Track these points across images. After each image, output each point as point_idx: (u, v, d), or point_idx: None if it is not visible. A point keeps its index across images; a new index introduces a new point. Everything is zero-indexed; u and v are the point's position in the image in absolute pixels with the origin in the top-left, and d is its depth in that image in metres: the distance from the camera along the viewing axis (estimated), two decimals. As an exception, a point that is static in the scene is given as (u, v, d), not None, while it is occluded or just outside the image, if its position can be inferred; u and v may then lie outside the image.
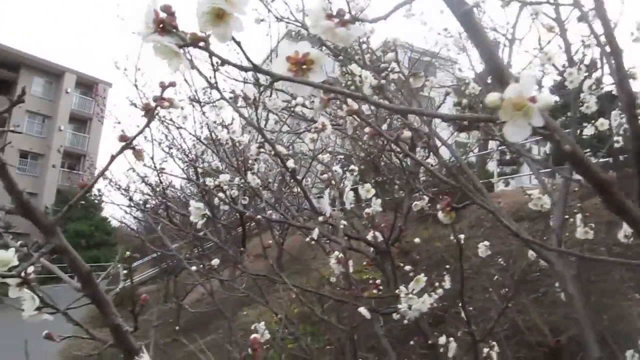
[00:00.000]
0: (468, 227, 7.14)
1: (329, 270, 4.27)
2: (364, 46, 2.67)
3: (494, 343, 1.74)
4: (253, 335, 0.78)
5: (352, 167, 2.32)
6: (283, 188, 3.50)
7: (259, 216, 1.01)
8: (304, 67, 0.57)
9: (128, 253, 0.99)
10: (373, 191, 1.76)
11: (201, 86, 3.93)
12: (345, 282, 2.27)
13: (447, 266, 2.95)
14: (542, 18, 2.86)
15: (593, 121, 2.59)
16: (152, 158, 3.77)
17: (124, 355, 0.77)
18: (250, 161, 2.49)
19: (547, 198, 2.12)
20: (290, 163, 1.69)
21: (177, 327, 8.13)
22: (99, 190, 5.61)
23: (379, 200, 1.85)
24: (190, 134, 3.83)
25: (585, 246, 2.73)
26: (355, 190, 2.00)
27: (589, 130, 2.74)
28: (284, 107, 2.27)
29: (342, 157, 4.16)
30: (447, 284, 1.67)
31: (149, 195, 5.78)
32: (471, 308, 2.99)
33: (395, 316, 1.71)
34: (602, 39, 1.67)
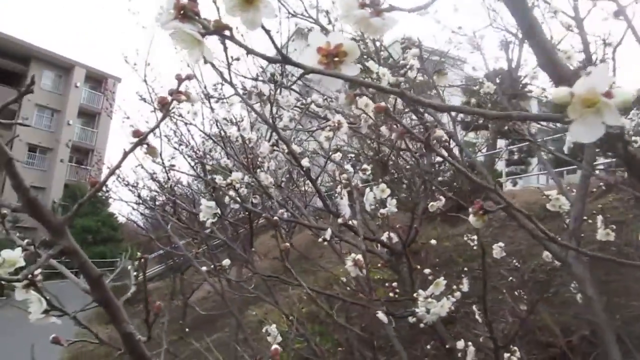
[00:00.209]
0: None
1: (339, 270, 4.24)
2: (378, 44, 2.62)
3: (515, 348, 1.69)
4: (274, 347, 0.73)
5: (364, 166, 2.27)
6: (290, 186, 3.45)
7: (275, 217, 0.97)
8: (336, 59, 0.52)
9: (139, 254, 0.94)
10: (388, 191, 1.71)
11: (211, 83, 3.90)
12: (360, 286, 2.23)
13: (465, 268, 2.89)
14: (560, 16, 2.81)
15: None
16: (160, 154, 3.73)
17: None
18: (259, 159, 2.45)
19: (565, 199, 2.07)
20: (305, 162, 1.64)
21: (181, 322, 8.11)
22: (106, 185, 5.59)
23: (394, 201, 1.80)
24: (200, 130, 3.79)
25: (596, 246, 2.67)
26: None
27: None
28: (297, 104, 2.23)
29: (352, 155, 4.11)
30: (465, 286, 1.62)
31: (157, 192, 5.76)
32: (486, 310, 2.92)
33: (411, 319, 1.67)
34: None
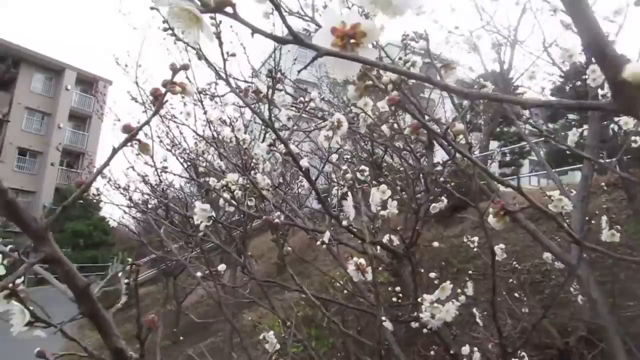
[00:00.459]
0: (471, 228, 7.06)
1: (335, 273, 4.18)
2: (375, 42, 2.56)
3: (524, 354, 1.64)
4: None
5: (362, 167, 2.21)
6: (284, 188, 3.39)
7: (276, 220, 0.91)
8: (353, 41, 0.46)
9: (130, 260, 0.87)
10: (389, 192, 1.65)
11: (205, 82, 3.83)
12: (358, 289, 2.16)
13: (470, 272, 2.84)
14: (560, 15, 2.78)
15: (617, 119, 2.49)
16: (152, 156, 3.66)
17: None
18: (254, 160, 2.39)
19: (567, 200, 2.02)
20: (304, 162, 1.58)
21: (175, 329, 8.02)
22: (97, 189, 5.50)
23: (395, 202, 1.75)
24: (193, 131, 3.73)
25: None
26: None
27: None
28: (294, 103, 2.17)
29: (348, 157, 4.06)
30: (469, 290, 1.56)
31: (149, 195, 5.68)
32: (483, 312, 2.89)
33: (414, 324, 1.61)
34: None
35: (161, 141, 4.81)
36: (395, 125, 1.53)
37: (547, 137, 1.98)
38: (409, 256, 1.70)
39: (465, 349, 1.61)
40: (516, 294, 3.44)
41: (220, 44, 1.51)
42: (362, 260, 1.23)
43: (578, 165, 9.74)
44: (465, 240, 3.37)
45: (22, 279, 0.79)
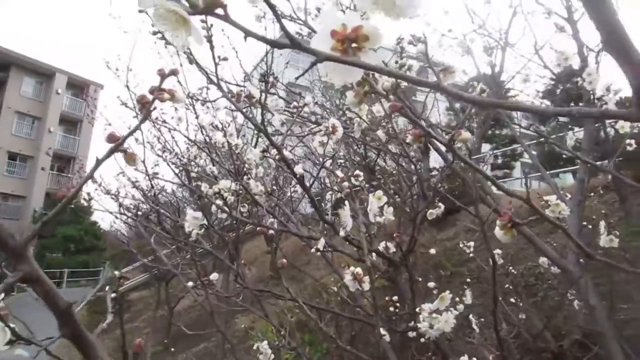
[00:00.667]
0: (464, 232, 7.06)
1: (329, 279, 4.14)
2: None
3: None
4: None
5: (356, 172, 2.18)
6: (277, 194, 3.36)
7: (271, 231, 0.87)
8: (354, 45, 0.43)
9: (117, 273, 0.83)
10: (385, 199, 1.62)
11: (196, 87, 3.78)
12: (352, 296, 2.13)
13: (469, 277, 2.81)
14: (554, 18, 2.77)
15: (613, 123, 2.48)
16: (143, 162, 3.61)
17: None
18: (247, 165, 2.35)
19: (564, 205, 2.00)
20: (298, 169, 1.55)
21: (165, 341, 7.94)
22: (88, 194, 5.44)
23: (391, 209, 1.71)
24: (184, 136, 3.67)
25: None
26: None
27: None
28: (288, 108, 2.13)
29: (341, 161, 4.02)
30: (468, 298, 1.53)
31: (140, 200, 5.61)
32: (478, 317, 2.86)
33: (411, 334, 1.58)
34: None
35: (152, 146, 4.76)
36: (391, 130, 1.50)
37: (548, 140, 1.96)
38: (406, 264, 1.66)
39: (464, 359, 1.57)
40: (512, 299, 3.42)
41: (212, 48, 1.47)
42: (358, 270, 1.20)
43: (569, 168, 9.75)
44: (461, 245, 3.35)
45: (2, 296, 0.75)
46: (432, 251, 2.30)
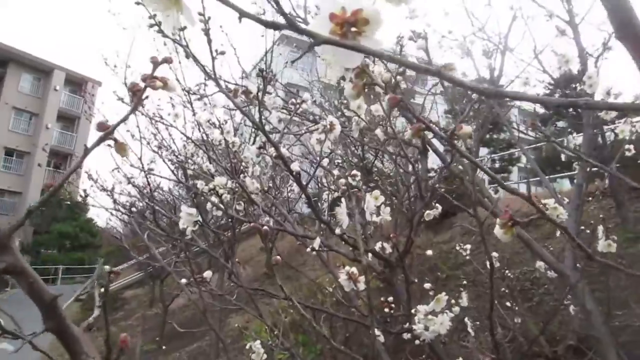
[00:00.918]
0: (460, 235, 7.06)
1: (324, 279, 4.12)
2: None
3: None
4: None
5: (354, 171, 2.16)
6: (274, 193, 3.34)
7: (265, 227, 0.85)
8: (354, 29, 0.41)
9: (107, 268, 0.81)
10: (382, 198, 1.60)
11: (194, 85, 3.76)
12: (348, 297, 2.11)
13: (465, 281, 2.80)
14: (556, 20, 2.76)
15: (613, 127, 2.47)
16: (140, 159, 3.58)
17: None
18: (243, 164, 2.33)
19: (562, 209, 1.99)
20: (295, 166, 1.53)
21: (157, 339, 7.91)
22: (84, 191, 5.40)
23: (388, 209, 1.70)
24: (181, 133, 3.65)
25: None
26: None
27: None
28: (284, 106, 2.11)
29: (339, 161, 4.01)
30: (464, 300, 1.52)
31: (136, 197, 5.58)
32: (474, 321, 2.84)
33: (405, 336, 1.56)
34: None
35: (149, 143, 4.73)
36: (389, 129, 1.49)
37: (550, 139, 1.95)
38: (402, 265, 1.64)
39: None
40: (508, 303, 3.40)
41: (209, 41, 1.45)
42: (354, 270, 1.18)
43: (567, 173, 9.74)
44: (457, 247, 3.33)
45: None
46: (429, 252, 2.28)
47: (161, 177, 4.45)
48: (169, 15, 0.39)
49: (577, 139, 3.44)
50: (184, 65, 3.28)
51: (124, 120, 0.59)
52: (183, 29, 1.47)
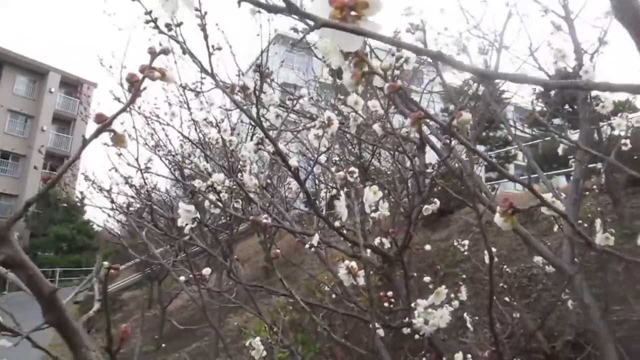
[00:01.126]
0: (457, 232, 7.07)
1: (322, 277, 4.12)
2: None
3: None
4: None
5: (351, 168, 2.16)
6: (272, 191, 3.34)
7: (265, 221, 0.85)
8: (354, 13, 0.41)
9: (106, 264, 0.81)
10: (380, 193, 1.60)
11: (190, 83, 3.75)
12: (346, 294, 2.11)
13: (464, 276, 2.80)
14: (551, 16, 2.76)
15: (609, 121, 2.48)
16: (137, 159, 3.58)
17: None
18: (241, 162, 2.33)
19: (560, 204, 1.99)
20: (293, 162, 1.53)
21: (156, 337, 7.89)
22: (81, 192, 5.39)
23: (386, 204, 1.70)
24: (179, 132, 3.65)
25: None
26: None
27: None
28: (281, 103, 2.10)
29: (336, 159, 4.01)
30: (463, 295, 1.52)
31: (133, 197, 5.57)
32: (473, 316, 2.85)
33: (405, 331, 1.56)
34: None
35: (146, 142, 4.72)
36: (387, 125, 1.49)
37: (549, 129, 1.95)
38: (401, 260, 1.64)
39: (459, 356, 1.56)
40: (506, 298, 3.41)
41: (206, 37, 1.45)
42: (353, 264, 1.18)
43: (563, 170, 9.77)
44: (455, 243, 3.33)
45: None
46: (427, 247, 2.29)
47: (158, 175, 4.45)
48: (167, 1, 0.38)
49: (574, 136, 3.46)
50: (180, 66, 3.28)
51: (122, 111, 0.59)
52: (179, 24, 1.47)
